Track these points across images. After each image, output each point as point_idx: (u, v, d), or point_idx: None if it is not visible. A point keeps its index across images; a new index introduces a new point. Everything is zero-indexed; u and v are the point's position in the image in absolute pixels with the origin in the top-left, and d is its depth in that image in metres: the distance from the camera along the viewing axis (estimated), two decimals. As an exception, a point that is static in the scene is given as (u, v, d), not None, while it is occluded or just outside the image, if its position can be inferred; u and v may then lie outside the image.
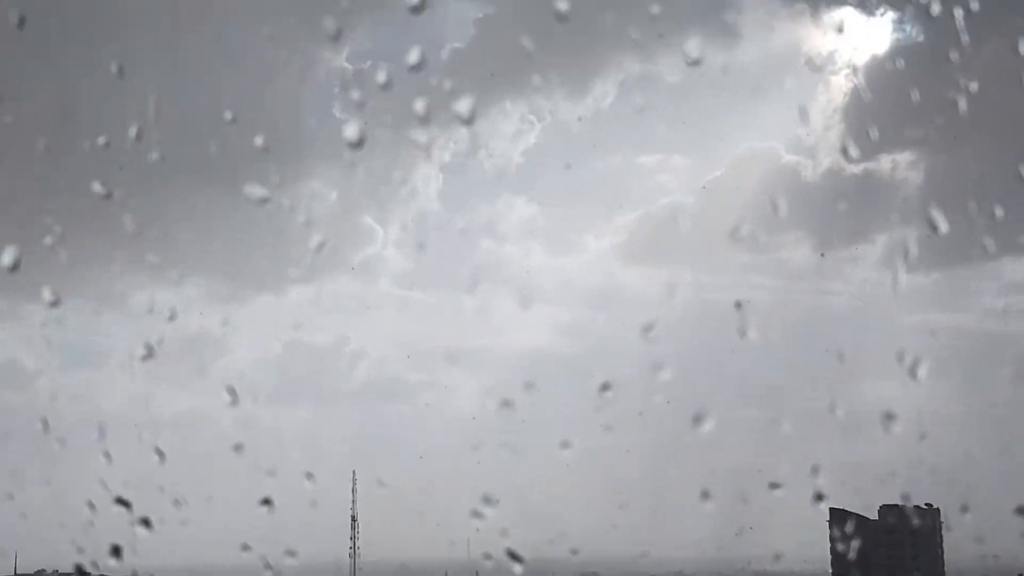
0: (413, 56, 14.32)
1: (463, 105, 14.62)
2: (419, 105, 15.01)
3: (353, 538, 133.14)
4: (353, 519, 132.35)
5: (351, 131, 15.33)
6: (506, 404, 18.52)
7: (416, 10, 14.57)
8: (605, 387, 16.94)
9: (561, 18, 14.17)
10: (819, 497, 16.97)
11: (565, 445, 19.23)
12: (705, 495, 18.04)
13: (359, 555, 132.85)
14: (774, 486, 19.12)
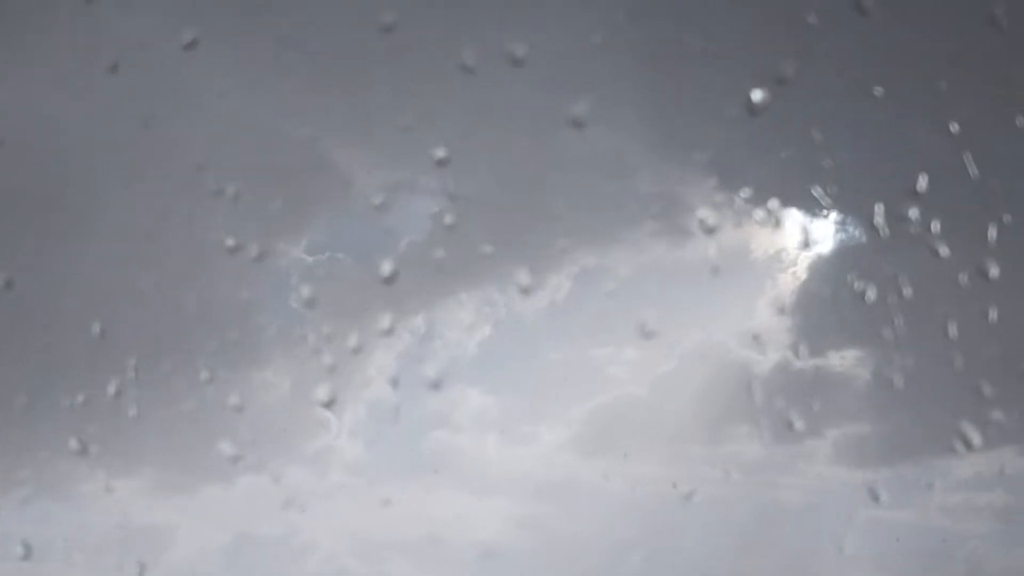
0: (385, 269, 14.27)
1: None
2: (384, 319, 14.93)
3: None
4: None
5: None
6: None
7: (379, 209, 14.57)
8: None
9: (517, 211, 14.20)
10: None
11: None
12: None
13: None
14: None
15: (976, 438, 13.16)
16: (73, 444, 16.80)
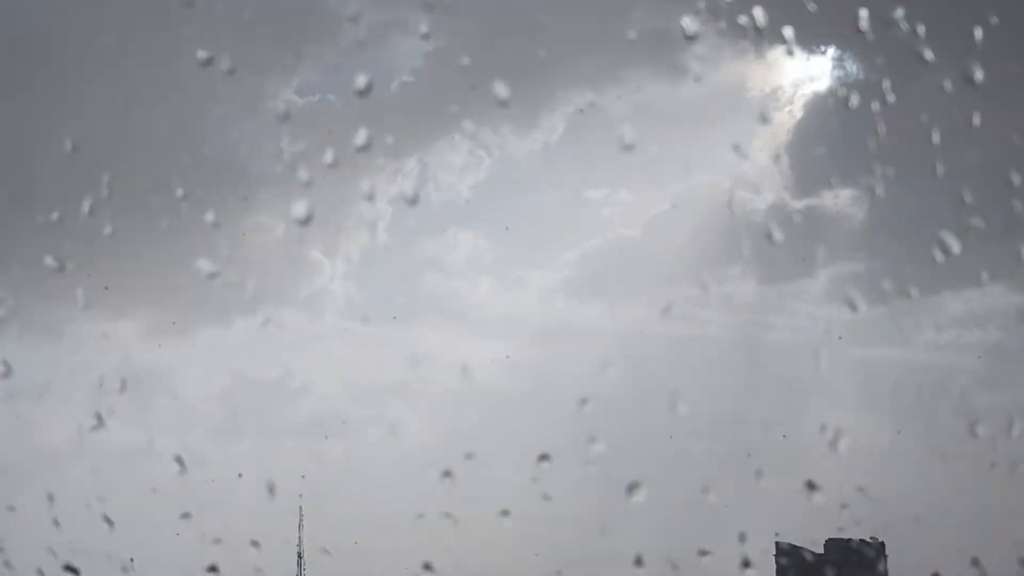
0: (361, 82, 14.07)
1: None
2: (361, 136, 14.77)
3: (299, 575, 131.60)
4: (299, 556, 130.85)
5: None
6: (448, 474, 18.17)
7: (371, 49, 14.31)
8: (543, 457, 16.68)
9: (512, 53, 13.96)
10: (746, 564, 16.96)
11: (505, 513, 18.92)
12: (639, 562, 17.82)
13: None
14: (702, 553, 19.11)
15: (955, 246, 13.22)
16: (50, 261, 16.78)
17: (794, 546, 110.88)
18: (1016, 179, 14.15)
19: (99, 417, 18.96)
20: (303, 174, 15.69)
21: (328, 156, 15.04)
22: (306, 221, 14.82)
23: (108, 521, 18.53)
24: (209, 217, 17.35)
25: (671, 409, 18.71)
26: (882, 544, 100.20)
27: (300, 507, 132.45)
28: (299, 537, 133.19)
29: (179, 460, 20.10)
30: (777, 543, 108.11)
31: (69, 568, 16.80)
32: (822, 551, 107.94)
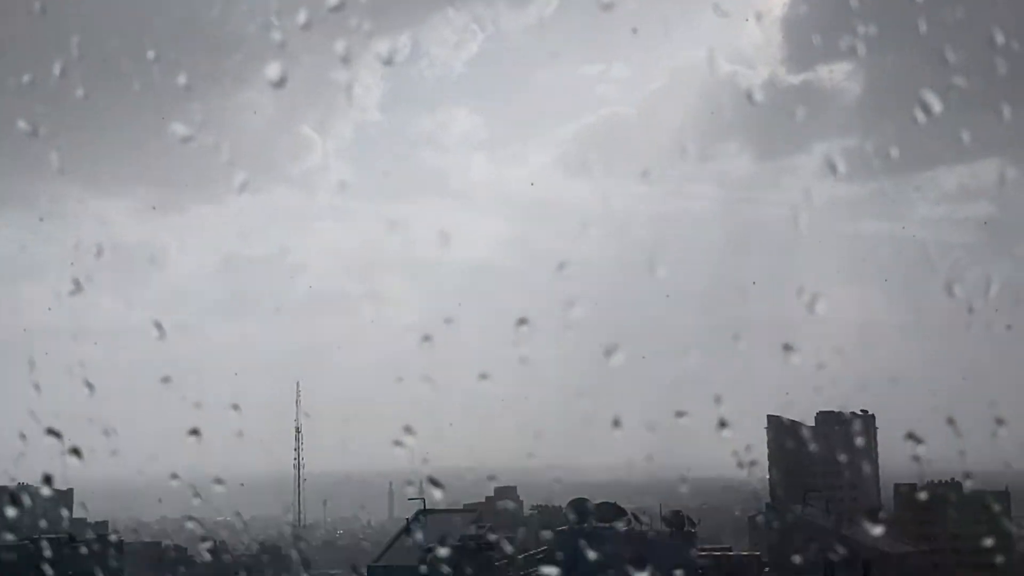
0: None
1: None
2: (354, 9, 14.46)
3: (297, 449, 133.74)
4: (297, 430, 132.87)
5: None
6: (431, 334, 18.26)
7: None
8: (522, 321, 16.74)
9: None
10: (722, 424, 17.20)
11: (484, 376, 19.09)
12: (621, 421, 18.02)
13: (304, 465, 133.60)
14: (681, 413, 19.37)
15: (936, 105, 13.03)
16: (22, 125, 16.63)
17: (783, 419, 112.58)
18: (999, 38, 13.92)
19: (77, 283, 18.98)
20: (277, 35, 15.54)
21: (302, 18, 14.79)
22: (280, 83, 14.62)
23: (89, 386, 18.68)
24: (182, 80, 17.10)
25: (650, 273, 18.73)
26: (872, 416, 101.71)
27: (297, 383, 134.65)
28: (296, 412, 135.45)
29: (158, 326, 20.17)
30: (768, 416, 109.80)
31: (51, 432, 16.90)
32: (812, 424, 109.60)
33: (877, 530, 48.77)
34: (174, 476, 22.22)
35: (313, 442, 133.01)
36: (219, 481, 21.54)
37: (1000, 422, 18.54)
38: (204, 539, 23.74)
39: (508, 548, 48.78)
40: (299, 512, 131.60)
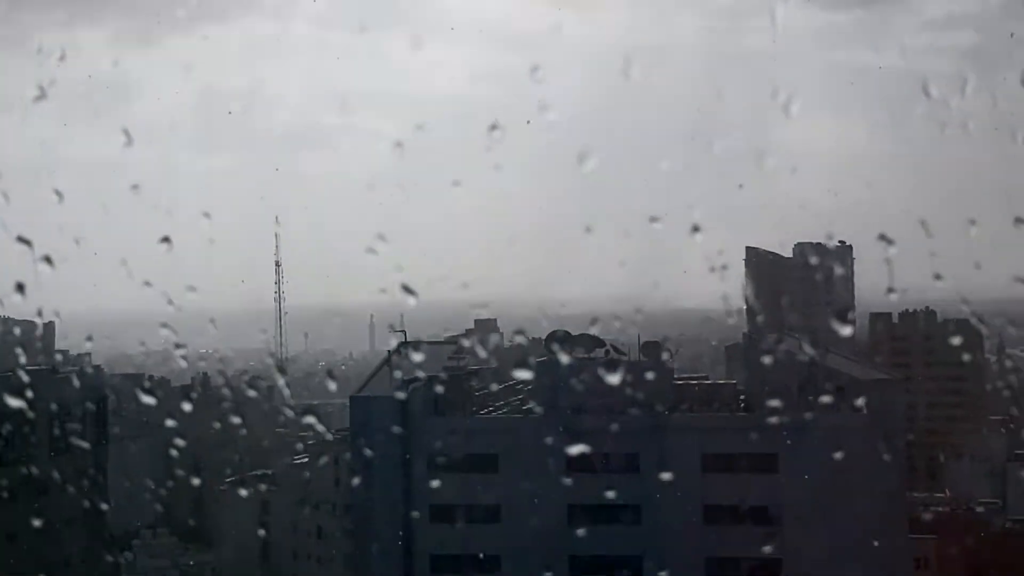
0: None
1: None
2: None
3: (278, 283, 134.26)
4: (277, 264, 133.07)
5: None
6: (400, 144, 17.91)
7: None
8: (494, 127, 16.37)
9: None
10: (695, 229, 17.23)
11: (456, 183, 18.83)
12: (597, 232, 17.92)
13: (284, 299, 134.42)
14: (653, 219, 19.27)
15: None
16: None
17: (762, 249, 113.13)
18: None
19: (41, 89, 18.40)
20: None
21: None
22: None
23: (58, 194, 18.26)
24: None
25: (625, 78, 18.46)
26: (850, 247, 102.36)
27: (276, 216, 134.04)
28: (276, 246, 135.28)
29: (125, 133, 19.78)
30: (746, 247, 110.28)
31: (21, 240, 16.57)
32: (791, 255, 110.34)
33: (846, 330, 49.69)
34: (147, 283, 21.97)
35: (293, 277, 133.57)
36: (192, 288, 21.34)
37: (973, 222, 18.58)
38: (178, 346, 23.76)
39: (488, 378, 49.46)
40: (281, 345, 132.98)
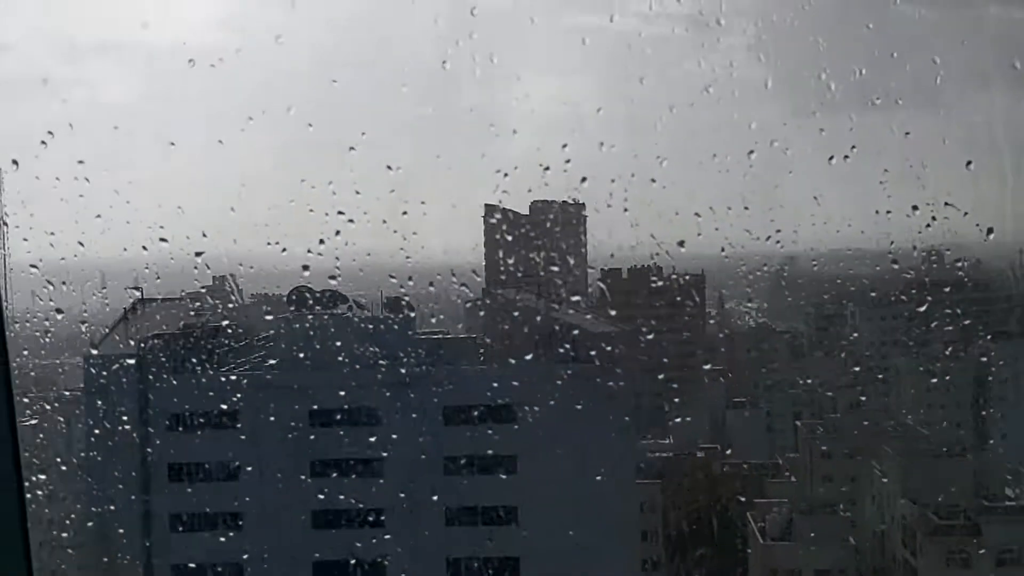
0: None
1: None
2: None
3: (1, 242, 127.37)
4: (4, 223, 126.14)
5: None
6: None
7: None
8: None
9: None
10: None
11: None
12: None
13: (9, 256, 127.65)
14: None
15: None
16: None
17: (498, 207, 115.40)
18: None
19: None
20: None
21: None
22: None
23: None
24: None
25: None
26: (582, 205, 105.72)
27: (0, 170, 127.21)
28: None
29: None
30: (486, 205, 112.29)
31: None
32: (528, 213, 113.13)
33: (579, 286, 52.27)
34: None
35: (22, 233, 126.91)
36: None
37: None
38: None
39: (228, 335, 48.98)
40: (6, 305, 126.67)
